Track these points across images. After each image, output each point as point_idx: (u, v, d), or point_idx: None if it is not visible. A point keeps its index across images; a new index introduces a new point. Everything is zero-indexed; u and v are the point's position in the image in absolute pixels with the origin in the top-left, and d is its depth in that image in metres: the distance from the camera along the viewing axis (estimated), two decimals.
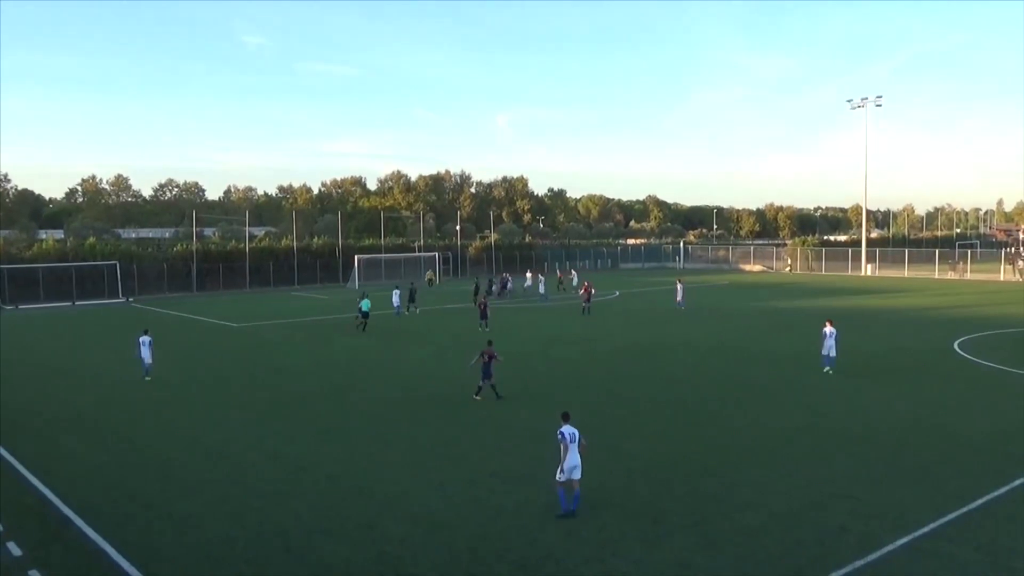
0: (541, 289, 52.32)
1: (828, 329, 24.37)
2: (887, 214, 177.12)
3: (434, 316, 42.89)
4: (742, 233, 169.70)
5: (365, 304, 36.36)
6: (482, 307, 36.64)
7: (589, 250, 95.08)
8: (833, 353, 24.14)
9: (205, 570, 10.86)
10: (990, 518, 12.34)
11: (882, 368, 25.49)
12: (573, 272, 61.15)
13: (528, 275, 58.66)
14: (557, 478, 12.46)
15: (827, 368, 24.24)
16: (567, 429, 12.53)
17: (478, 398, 20.92)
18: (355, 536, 11.88)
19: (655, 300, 50.26)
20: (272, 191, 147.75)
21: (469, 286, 52.17)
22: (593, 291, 42.56)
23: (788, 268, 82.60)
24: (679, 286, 45.87)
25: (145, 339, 24.53)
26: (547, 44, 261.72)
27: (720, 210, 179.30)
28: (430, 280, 62.12)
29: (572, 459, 12.35)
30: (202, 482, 14.58)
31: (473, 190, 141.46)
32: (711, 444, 16.75)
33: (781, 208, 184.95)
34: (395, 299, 42.47)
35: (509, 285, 55.21)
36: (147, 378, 24.27)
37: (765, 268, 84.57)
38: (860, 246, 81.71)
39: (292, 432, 18.10)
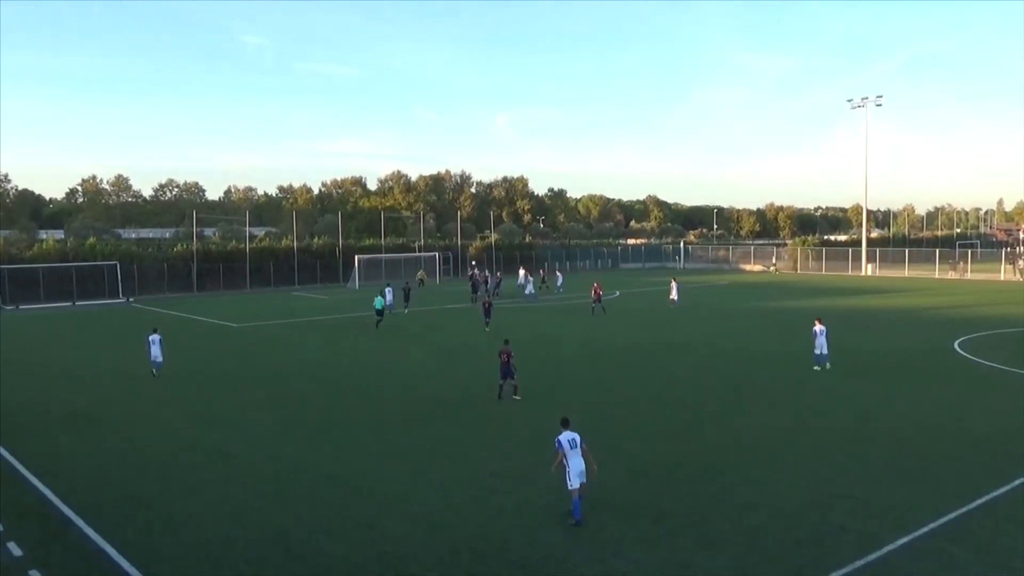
0: (529, 288, 52.22)
1: (818, 327, 24.65)
2: (887, 214, 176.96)
3: (433, 316, 42.91)
4: (742, 233, 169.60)
5: (377, 302, 37.46)
6: (486, 306, 36.75)
7: (589, 250, 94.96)
8: (824, 351, 24.44)
9: (205, 570, 10.86)
10: (990, 518, 12.34)
11: (882, 368, 25.48)
12: (558, 273, 61.26)
13: (521, 272, 58.70)
14: (571, 487, 12.23)
15: (817, 366, 24.58)
16: (565, 436, 12.40)
17: (517, 397, 20.91)
18: (355, 536, 11.89)
19: (655, 300, 50.20)
20: (272, 191, 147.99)
21: (468, 286, 52.24)
22: (601, 293, 42.76)
23: (773, 268, 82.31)
24: (674, 285, 46.84)
25: (155, 337, 25.11)
26: (547, 44, 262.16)
27: (720, 210, 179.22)
28: (421, 280, 62.07)
29: (577, 464, 12.26)
30: (202, 482, 14.58)
31: (473, 190, 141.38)
32: (711, 444, 16.76)
33: (781, 208, 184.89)
34: (389, 296, 42.79)
35: (490, 283, 54.98)
36: (154, 372, 24.89)
37: (765, 268, 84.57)
38: (860, 246, 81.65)
39: (292, 432, 18.11)
